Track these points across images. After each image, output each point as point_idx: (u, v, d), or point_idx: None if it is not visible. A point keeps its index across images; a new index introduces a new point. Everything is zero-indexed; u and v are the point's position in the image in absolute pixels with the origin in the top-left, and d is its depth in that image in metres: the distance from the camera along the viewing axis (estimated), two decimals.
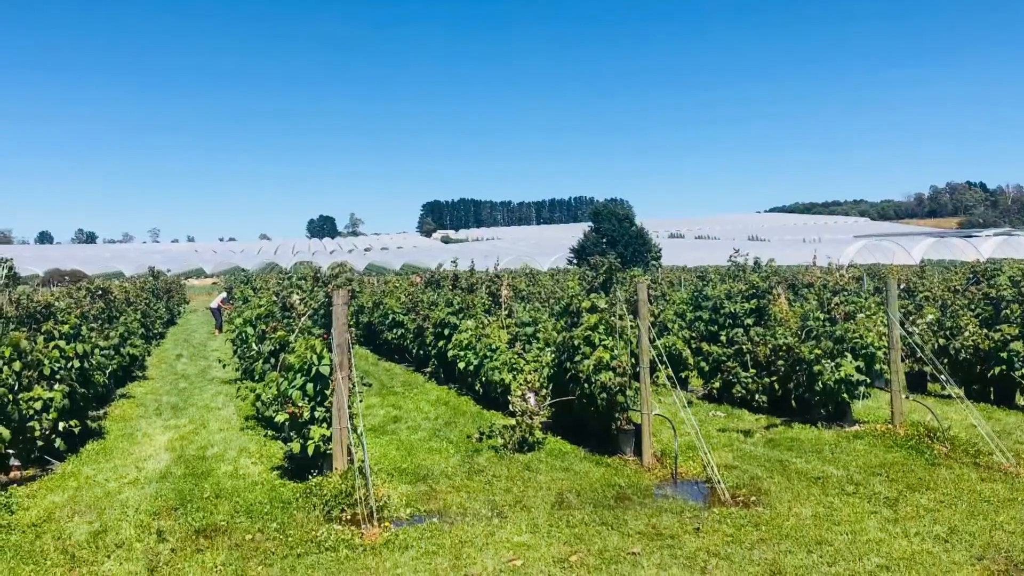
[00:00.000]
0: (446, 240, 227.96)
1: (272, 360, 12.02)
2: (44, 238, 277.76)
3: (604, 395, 10.07)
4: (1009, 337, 13.00)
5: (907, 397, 11.42)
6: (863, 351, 11.76)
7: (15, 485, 9.46)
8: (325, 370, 9.21)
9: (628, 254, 69.58)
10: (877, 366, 12.07)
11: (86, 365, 11.70)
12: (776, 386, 12.61)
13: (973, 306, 14.39)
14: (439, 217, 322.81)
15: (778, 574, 6.38)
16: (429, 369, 18.18)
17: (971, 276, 16.40)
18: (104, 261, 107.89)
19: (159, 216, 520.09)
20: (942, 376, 11.75)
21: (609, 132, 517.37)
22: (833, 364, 11.43)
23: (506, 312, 15.53)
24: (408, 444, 11.30)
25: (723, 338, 13.97)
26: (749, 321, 13.71)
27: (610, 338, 10.54)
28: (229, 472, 9.96)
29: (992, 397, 13.49)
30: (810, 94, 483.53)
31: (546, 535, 7.43)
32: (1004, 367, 12.94)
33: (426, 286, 22.15)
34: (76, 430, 10.78)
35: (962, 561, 6.55)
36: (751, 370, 13.04)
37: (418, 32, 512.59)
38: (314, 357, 9.35)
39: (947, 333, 14.28)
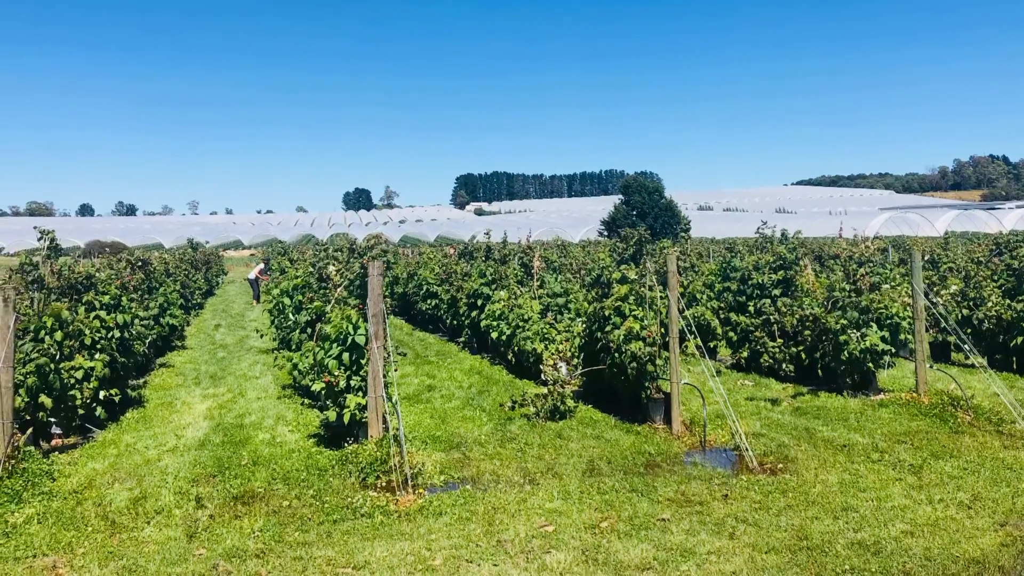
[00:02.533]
0: (479, 212, 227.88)
1: (308, 330, 12.25)
2: (85, 210, 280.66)
3: (634, 364, 10.18)
4: None
5: (931, 366, 11.56)
6: (888, 321, 11.88)
7: (56, 452, 9.68)
8: (360, 340, 9.39)
9: (658, 226, 69.55)
10: (902, 336, 12.12)
11: (126, 335, 11.94)
12: (803, 356, 12.69)
13: (996, 277, 14.47)
14: (472, 190, 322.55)
15: (805, 539, 6.49)
16: (462, 339, 18.35)
17: (994, 248, 16.37)
18: (144, 233, 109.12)
19: (198, 189, 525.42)
20: (965, 346, 11.69)
21: (639, 105, 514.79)
22: (859, 334, 11.52)
23: (538, 283, 15.64)
24: (442, 412, 11.48)
25: (751, 309, 14.03)
26: (776, 292, 13.77)
27: (640, 308, 10.64)
28: (266, 440, 10.18)
29: (1015, 366, 13.55)
30: (836, 68, 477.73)
31: (577, 502, 7.58)
32: None
33: (459, 257, 22.32)
34: (116, 399, 11.00)
35: (985, 527, 6.63)
36: (778, 340, 13.04)
37: (452, 8, 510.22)
38: (350, 327, 9.52)
39: (970, 304, 14.30)
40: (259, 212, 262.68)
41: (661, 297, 10.50)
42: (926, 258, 17.83)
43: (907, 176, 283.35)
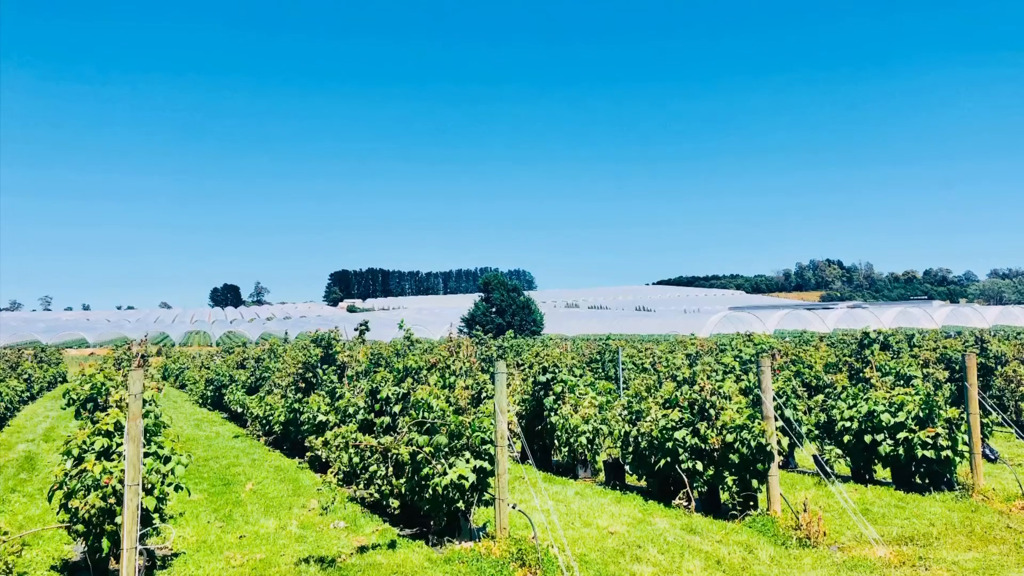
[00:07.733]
0: (351, 309, 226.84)
1: None
2: None
3: None
4: (673, 423, 10.82)
5: (514, 506, 8.84)
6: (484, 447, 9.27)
7: None
8: None
9: (515, 323, 71.69)
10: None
11: None
12: (404, 491, 9.43)
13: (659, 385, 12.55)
14: (346, 286, 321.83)
15: None
16: None
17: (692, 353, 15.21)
18: None
19: (55, 283, 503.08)
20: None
21: (514, 201, 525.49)
22: (446, 464, 8.96)
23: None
24: None
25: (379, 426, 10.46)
26: (396, 408, 10.10)
27: None
28: None
29: (658, 492, 11.37)
30: (694, 174, 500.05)
31: None
32: (668, 459, 10.75)
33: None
34: None
35: None
36: (389, 467, 9.56)
37: (325, 104, 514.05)
38: None
39: (633, 417, 11.92)
40: (119, 308, 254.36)
41: None
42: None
43: (755, 277, 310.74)
